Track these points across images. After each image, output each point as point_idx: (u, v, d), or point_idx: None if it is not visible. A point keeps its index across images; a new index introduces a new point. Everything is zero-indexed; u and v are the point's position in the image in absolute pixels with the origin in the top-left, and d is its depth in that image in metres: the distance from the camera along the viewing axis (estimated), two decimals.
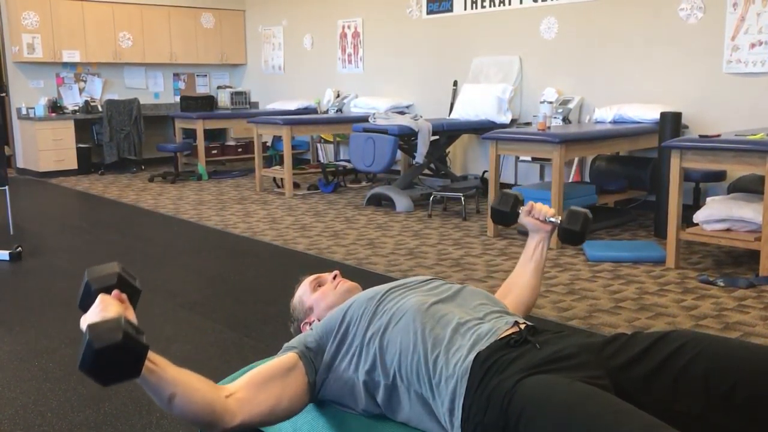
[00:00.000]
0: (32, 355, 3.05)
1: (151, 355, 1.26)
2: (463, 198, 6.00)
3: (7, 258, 4.71)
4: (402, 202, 6.41)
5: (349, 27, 8.88)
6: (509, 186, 6.17)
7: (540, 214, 2.00)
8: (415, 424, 1.48)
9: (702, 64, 5.65)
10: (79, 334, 3.26)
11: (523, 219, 2.03)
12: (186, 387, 1.32)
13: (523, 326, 1.48)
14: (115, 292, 1.34)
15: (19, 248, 4.81)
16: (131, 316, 1.30)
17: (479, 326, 1.48)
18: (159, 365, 1.29)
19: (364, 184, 8.02)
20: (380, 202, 6.68)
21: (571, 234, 1.97)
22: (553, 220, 1.99)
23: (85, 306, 1.35)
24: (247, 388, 1.44)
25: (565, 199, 5.00)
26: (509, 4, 7.01)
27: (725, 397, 1.31)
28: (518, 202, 2.08)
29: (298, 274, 2.01)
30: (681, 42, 5.77)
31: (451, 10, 7.56)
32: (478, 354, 1.38)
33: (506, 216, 2.08)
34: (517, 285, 1.98)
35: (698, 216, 4.31)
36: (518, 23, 6.96)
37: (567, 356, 1.34)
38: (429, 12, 7.79)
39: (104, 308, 1.27)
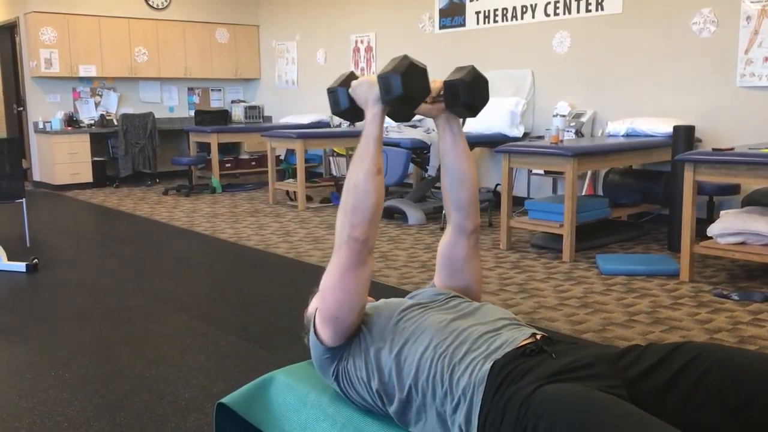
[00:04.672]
0: (48, 366, 3.08)
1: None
2: None
3: (24, 269, 4.76)
4: (414, 215, 6.43)
5: (362, 41, 8.95)
6: (522, 200, 6.15)
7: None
8: None
9: (715, 77, 5.65)
10: (94, 345, 3.29)
11: (417, 109, 1.76)
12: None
13: (539, 337, 1.49)
14: None
15: (36, 260, 4.86)
16: None
17: (496, 337, 1.50)
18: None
19: None
20: (392, 215, 6.70)
21: (461, 109, 1.73)
22: (445, 96, 1.74)
23: (342, 107, 1.75)
24: None
25: (578, 212, 5.00)
26: (522, 18, 7.05)
27: (740, 408, 1.31)
28: (427, 88, 1.73)
29: (311, 287, 2.02)
30: (694, 56, 5.77)
31: (463, 24, 7.61)
32: (494, 363, 1.39)
33: (398, 113, 1.78)
34: (451, 191, 1.78)
35: (712, 229, 4.29)
36: (531, 37, 6.99)
37: (583, 366, 1.35)
38: (441, 27, 7.85)
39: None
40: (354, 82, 1.72)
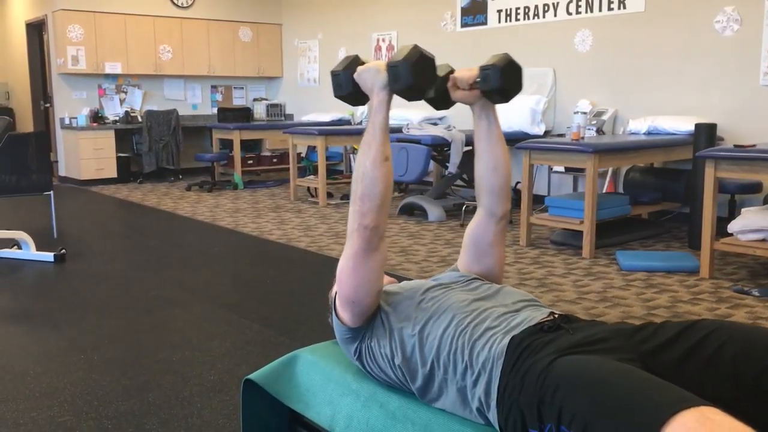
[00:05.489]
0: (78, 350, 3.16)
1: None
2: None
3: (52, 259, 4.87)
4: (434, 212, 6.47)
5: (383, 40, 9.01)
6: (542, 198, 6.16)
7: (463, 83, 1.78)
8: (450, 411, 1.54)
9: (738, 76, 5.63)
10: (121, 331, 3.36)
11: (455, 96, 1.81)
12: (392, 167, 1.63)
13: (557, 316, 1.53)
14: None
15: (63, 250, 4.97)
16: None
17: (515, 316, 1.54)
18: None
19: (396, 194, 8.10)
20: (412, 211, 6.74)
21: (495, 93, 1.76)
22: (479, 82, 1.77)
23: (344, 91, 1.75)
24: None
25: (599, 209, 5.01)
26: (544, 17, 7.07)
27: (754, 383, 1.34)
28: (434, 78, 1.75)
29: (332, 278, 2.03)
30: (716, 54, 5.76)
31: (485, 23, 7.64)
32: (512, 338, 1.44)
33: (439, 101, 1.84)
34: (483, 175, 1.84)
35: (733, 226, 4.29)
36: (552, 36, 7.00)
37: (600, 340, 1.39)
38: (463, 25, 7.88)
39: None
40: (360, 68, 1.71)
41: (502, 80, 1.73)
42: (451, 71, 1.82)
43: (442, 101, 1.84)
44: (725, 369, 1.35)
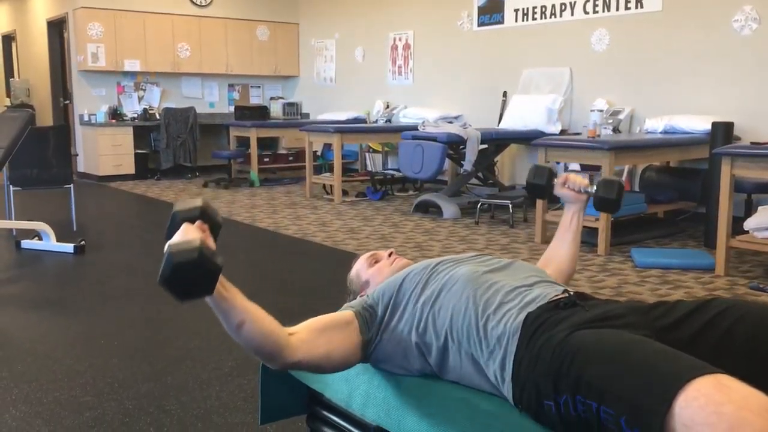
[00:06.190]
0: (98, 336, 3.22)
1: (225, 282, 1.37)
2: (510, 206, 6.05)
3: (72, 251, 4.94)
4: (449, 209, 6.49)
5: (400, 39, 9.04)
6: (557, 198, 6.18)
7: (575, 185, 2.05)
8: (466, 383, 1.56)
9: (756, 75, 5.62)
10: (140, 319, 3.43)
11: (559, 191, 2.08)
12: (255, 316, 1.42)
13: (572, 293, 1.55)
14: (197, 222, 1.42)
15: (83, 242, 5.04)
16: (210, 243, 1.38)
17: (529, 292, 1.56)
18: (230, 292, 1.40)
19: (411, 192, 8.13)
20: (427, 209, 6.77)
21: (607, 202, 2.03)
22: (588, 190, 2.04)
23: (170, 234, 1.42)
24: (307, 331, 1.55)
25: None
26: (560, 16, 7.07)
27: (766, 361, 1.36)
28: (552, 174, 2.11)
29: (347, 272, 2.06)
30: (734, 53, 5.75)
31: (502, 22, 7.65)
32: (528, 314, 1.46)
33: (542, 189, 2.12)
34: (557, 256, 2.03)
35: (749, 223, 4.29)
36: (569, 35, 7.01)
37: (615, 316, 1.41)
38: (480, 24, 7.90)
39: (186, 234, 1.36)
40: None
41: (620, 193, 2.03)
42: (556, 173, 2.11)
43: (546, 193, 2.15)
44: (737, 346, 1.37)
